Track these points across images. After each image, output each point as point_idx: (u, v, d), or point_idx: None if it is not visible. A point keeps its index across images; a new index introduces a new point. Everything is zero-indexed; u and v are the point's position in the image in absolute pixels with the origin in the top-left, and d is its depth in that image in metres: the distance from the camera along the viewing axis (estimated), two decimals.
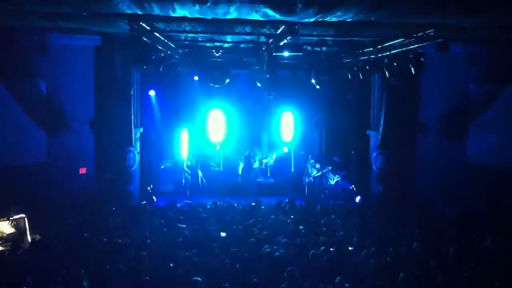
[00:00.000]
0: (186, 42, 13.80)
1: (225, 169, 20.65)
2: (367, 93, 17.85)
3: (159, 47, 13.32)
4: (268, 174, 20.72)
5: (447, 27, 10.83)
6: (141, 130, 16.98)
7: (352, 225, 12.60)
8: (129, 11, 9.55)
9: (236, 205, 14.93)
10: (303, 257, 9.67)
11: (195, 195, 18.04)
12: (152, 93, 18.17)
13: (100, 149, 15.88)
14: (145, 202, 16.29)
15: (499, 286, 8.64)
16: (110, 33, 13.43)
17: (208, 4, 8.78)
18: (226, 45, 14.37)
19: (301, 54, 15.06)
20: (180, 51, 14.87)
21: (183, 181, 18.89)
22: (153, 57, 14.37)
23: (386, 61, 14.46)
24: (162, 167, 19.48)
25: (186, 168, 18.88)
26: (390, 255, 10.00)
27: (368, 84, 17.60)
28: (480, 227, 12.25)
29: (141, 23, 10.61)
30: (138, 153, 16.60)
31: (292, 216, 13.40)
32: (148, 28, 11.02)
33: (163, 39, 12.68)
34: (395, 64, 13.98)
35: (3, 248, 11.28)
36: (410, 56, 13.18)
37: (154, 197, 17.12)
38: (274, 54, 13.73)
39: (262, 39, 13.05)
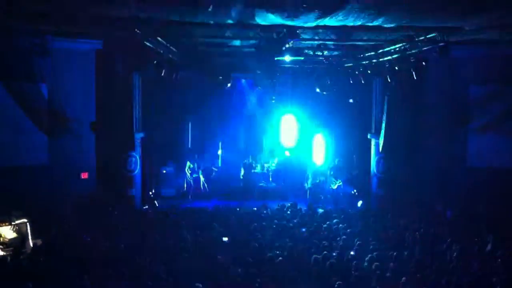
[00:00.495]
0: (188, 46, 13.82)
1: (227, 173, 20.63)
2: (369, 97, 17.85)
3: (161, 51, 13.35)
4: (270, 179, 20.69)
5: (448, 30, 10.86)
6: (143, 134, 16.97)
7: (354, 229, 12.57)
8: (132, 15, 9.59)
9: (238, 209, 14.90)
10: (305, 262, 9.65)
11: (197, 199, 18.01)
12: (153, 96, 18.17)
13: (101, 153, 15.87)
14: (146, 206, 16.26)
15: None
16: (111, 36, 13.45)
17: (210, 9, 8.81)
18: (227, 49, 14.41)
19: (302, 58, 15.09)
20: (182, 54, 14.88)
21: (185, 185, 18.88)
22: (155, 60, 14.41)
23: (387, 65, 14.48)
24: (164, 171, 19.46)
25: (188, 172, 18.88)
26: (392, 259, 9.97)
27: (370, 88, 17.60)
28: (480, 229, 12.22)
29: (143, 27, 10.62)
30: (139, 157, 16.59)
31: (294, 221, 13.37)
32: (150, 32, 11.04)
33: (164, 43, 12.70)
34: (396, 68, 14.01)
35: (5, 253, 11.25)
36: (411, 60, 13.20)
37: (155, 202, 17.10)
38: (275, 58, 13.78)
39: (264, 43, 13.06)
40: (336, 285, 8.32)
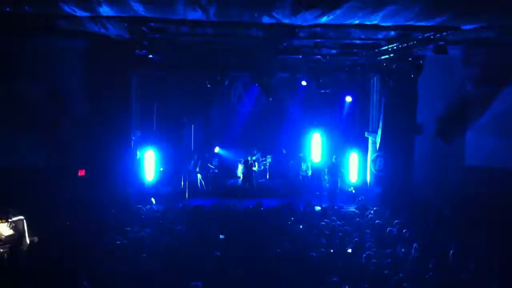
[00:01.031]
0: (184, 44, 13.82)
1: (224, 171, 20.65)
2: (366, 95, 17.88)
3: (158, 49, 13.35)
4: (267, 176, 20.72)
5: (446, 30, 10.89)
6: (140, 132, 16.97)
7: (351, 227, 12.61)
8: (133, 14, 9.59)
9: (235, 207, 14.91)
10: (303, 259, 9.68)
11: (194, 197, 18.02)
12: (151, 94, 18.17)
13: (98, 152, 15.85)
14: (143, 204, 16.25)
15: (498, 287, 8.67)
16: (108, 35, 13.43)
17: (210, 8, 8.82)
18: (225, 47, 14.41)
19: (300, 56, 15.09)
20: (179, 53, 14.88)
21: (182, 183, 18.90)
22: (152, 59, 14.40)
23: (384, 63, 14.53)
24: (161, 169, 19.47)
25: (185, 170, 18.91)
26: (389, 256, 10.01)
27: (367, 87, 17.63)
28: (477, 229, 12.26)
29: (139, 25, 10.62)
30: (136, 155, 16.58)
31: (292, 218, 13.40)
32: (146, 30, 11.03)
33: (161, 41, 12.69)
34: (393, 66, 14.05)
35: (1, 250, 11.25)
36: (409, 58, 13.24)
37: (152, 199, 17.11)
38: (273, 56, 13.80)
39: (262, 41, 13.08)
40: (332, 282, 8.36)
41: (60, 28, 12.22)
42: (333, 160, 18.93)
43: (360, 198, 17.29)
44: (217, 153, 20.97)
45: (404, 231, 11.89)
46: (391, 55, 13.66)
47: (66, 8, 9.47)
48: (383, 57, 14.20)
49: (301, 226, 12.22)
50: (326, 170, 19.31)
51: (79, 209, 13.61)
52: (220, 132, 21.40)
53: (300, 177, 19.82)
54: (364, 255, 9.92)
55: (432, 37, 11.35)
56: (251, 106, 20.65)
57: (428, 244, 10.96)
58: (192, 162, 19.34)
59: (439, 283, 8.76)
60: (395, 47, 13.03)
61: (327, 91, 17.01)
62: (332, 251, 10.23)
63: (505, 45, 13.45)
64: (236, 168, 20.40)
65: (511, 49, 13.75)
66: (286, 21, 10.04)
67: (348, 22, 10.21)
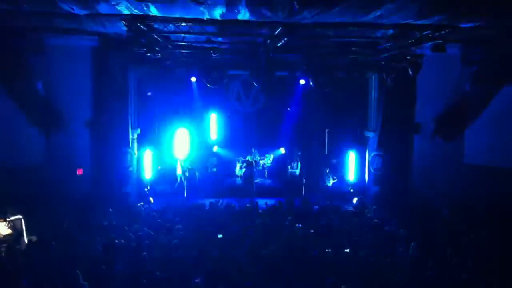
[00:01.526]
0: (183, 43, 13.81)
1: (222, 170, 20.62)
2: (365, 94, 17.87)
3: (157, 48, 13.33)
4: (266, 175, 20.71)
5: (444, 28, 10.88)
6: (139, 131, 16.95)
7: (349, 226, 12.61)
8: (127, 12, 9.57)
9: (233, 206, 14.90)
10: (300, 259, 9.67)
11: (192, 196, 18.01)
12: (149, 93, 18.14)
13: (97, 150, 15.84)
14: (142, 203, 16.25)
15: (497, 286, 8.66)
16: (107, 33, 13.42)
17: (205, 5, 8.80)
18: (223, 46, 14.39)
19: (298, 55, 15.09)
20: (178, 52, 14.87)
21: (179, 182, 18.88)
22: (151, 58, 14.38)
23: (383, 62, 14.52)
24: (159, 167, 19.45)
25: (180, 169, 18.85)
26: (387, 255, 10.00)
27: (366, 85, 17.62)
28: (476, 228, 12.26)
29: (138, 24, 10.59)
30: (135, 154, 16.57)
31: (289, 218, 13.38)
32: (145, 29, 11.01)
33: (160, 40, 12.68)
34: (392, 65, 14.04)
35: None
36: (407, 57, 13.23)
37: (151, 198, 17.09)
38: (271, 55, 13.77)
39: (260, 40, 13.07)
40: (331, 282, 8.35)
41: (58, 27, 12.21)
42: (332, 160, 18.92)
43: (358, 198, 17.29)
44: (215, 152, 20.93)
45: (402, 230, 11.90)
46: (390, 53, 13.65)
47: (64, 6, 9.46)
48: (381, 56, 14.18)
49: (298, 225, 12.19)
50: (326, 169, 19.30)
51: (77, 208, 13.61)
52: (219, 131, 21.34)
53: (289, 175, 19.83)
54: (362, 254, 9.93)
55: (430, 35, 11.34)
56: (250, 105, 20.60)
57: (426, 244, 10.95)
58: (191, 160, 19.32)
59: (438, 283, 8.75)
60: (393, 46, 13.02)
61: (326, 90, 17.01)
62: (329, 250, 10.20)
63: (504, 43, 13.45)
64: (235, 167, 20.37)
65: (509, 48, 13.74)
66: (285, 19, 10.03)
67: (347, 20, 10.20)
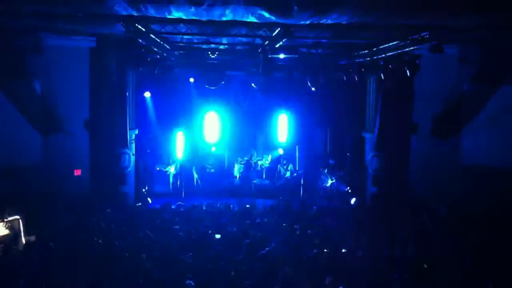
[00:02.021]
0: (182, 44, 13.82)
1: (220, 170, 20.62)
2: (363, 95, 17.88)
3: (155, 49, 13.33)
4: (264, 176, 20.72)
5: (441, 29, 10.89)
6: (136, 131, 16.96)
7: (347, 227, 12.62)
8: (125, 12, 9.55)
9: (231, 207, 14.91)
10: (298, 259, 9.68)
11: (190, 196, 18.01)
12: (147, 94, 18.16)
13: (95, 151, 15.84)
14: (140, 203, 16.26)
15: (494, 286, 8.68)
16: (105, 34, 13.42)
17: (204, 6, 8.79)
18: (221, 47, 14.39)
19: (296, 56, 15.09)
20: (176, 52, 14.87)
21: (178, 183, 18.90)
22: (149, 58, 14.39)
23: (381, 63, 14.52)
24: (157, 168, 19.45)
25: (173, 168, 18.89)
26: (384, 257, 10.01)
27: (364, 86, 17.63)
28: (474, 228, 12.27)
29: (136, 24, 10.58)
30: (133, 154, 16.57)
31: (287, 218, 13.40)
32: (143, 29, 11.00)
33: (158, 40, 12.68)
34: (390, 66, 14.05)
35: None
36: (405, 58, 13.24)
37: (149, 199, 17.10)
38: (269, 56, 13.78)
39: (258, 41, 13.07)
40: (327, 282, 8.36)
41: (56, 27, 12.20)
42: (329, 160, 18.94)
43: (356, 198, 17.32)
44: (213, 153, 20.94)
45: (400, 231, 11.91)
46: (388, 54, 13.67)
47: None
48: (379, 57, 14.20)
49: (296, 226, 12.19)
50: (322, 170, 19.32)
51: (75, 208, 13.60)
52: (216, 132, 21.33)
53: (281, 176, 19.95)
54: (359, 255, 9.94)
55: (428, 36, 11.35)
56: (248, 106, 20.60)
57: (424, 244, 10.98)
58: (189, 161, 19.33)
59: (435, 284, 8.77)
60: (391, 47, 13.04)
61: (324, 91, 17.03)
62: (327, 250, 10.21)
63: (501, 43, 13.47)
64: (233, 167, 20.38)
65: (506, 47, 13.76)
66: (283, 20, 10.03)
67: (345, 22, 10.20)
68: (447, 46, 12.56)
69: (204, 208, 14.77)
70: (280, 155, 21.11)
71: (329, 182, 18.97)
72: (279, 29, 10.78)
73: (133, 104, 16.67)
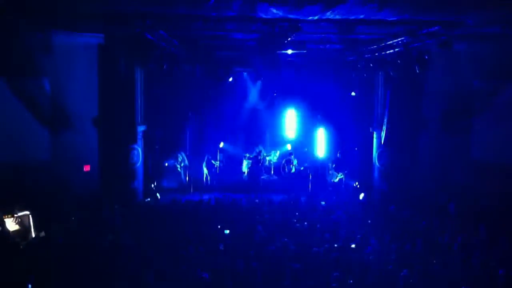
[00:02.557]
0: (190, 40, 13.82)
1: (229, 166, 20.66)
2: (371, 90, 17.83)
3: (163, 45, 13.35)
4: (272, 172, 20.73)
5: (451, 24, 10.84)
6: (145, 127, 16.99)
7: (356, 222, 12.61)
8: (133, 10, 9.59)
9: (240, 202, 14.93)
10: (307, 254, 9.69)
11: (199, 192, 18.05)
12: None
13: (103, 147, 15.88)
14: (149, 199, 16.32)
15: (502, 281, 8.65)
16: (114, 31, 13.44)
17: (212, 2, 8.81)
18: (229, 43, 14.40)
19: (305, 51, 15.06)
20: (184, 48, 14.88)
21: (187, 178, 18.96)
22: (157, 54, 14.39)
23: (389, 59, 14.47)
24: (166, 164, 19.50)
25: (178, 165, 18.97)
26: (394, 252, 10.01)
27: (372, 82, 17.58)
28: (483, 224, 12.22)
29: (145, 20, 10.62)
30: (141, 150, 16.61)
31: (296, 213, 13.41)
32: (151, 26, 11.03)
33: (167, 37, 12.70)
34: (398, 61, 14.00)
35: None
36: (414, 53, 13.19)
37: (158, 194, 17.15)
38: (278, 51, 13.76)
39: (267, 37, 13.04)
40: (335, 277, 8.37)
41: (64, 25, 12.25)
42: (338, 155, 18.91)
43: (365, 193, 17.28)
44: (222, 148, 20.98)
45: (409, 226, 11.90)
46: (396, 50, 13.61)
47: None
48: (388, 52, 14.14)
49: (305, 223, 12.21)
50: (330, 165, 19.31)
51: (84, 204, 13.68)
52: (225, 128, 21.38)
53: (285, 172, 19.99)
54: (368, 250, 9.94)
55: (437, 31, 11.30)
56: (256, 101, 20.62)
57: (432, 240, 10.96)
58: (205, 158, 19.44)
59: (443, 279, 8.75)
60: (400, 42, 12.98)
61: (332, 86, 17.00)
62: (336, 245, 10.22)
63: (510, 39, 13.38)
64: (241, 163, 20.41)
65: None
66: (291, 15, 10.02)
67: (353, 17, 10.18)
68: (457, 41, 12.49)
69: (212, 203, 14.79)
70: (288, 151, 21.13)
71: (337, 177, 18.95)
72: (287, 24, 10.77)
73: (141, 100, 16.69)
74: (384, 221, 12.80)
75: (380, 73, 16.97)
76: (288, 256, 9.58)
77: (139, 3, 9.23)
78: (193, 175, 18.93)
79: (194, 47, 14.87)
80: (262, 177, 19.95)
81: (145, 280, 8.48)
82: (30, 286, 8.29)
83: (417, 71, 13.32)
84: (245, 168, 20.16)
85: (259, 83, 18.57)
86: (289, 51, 14.84)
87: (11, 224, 11.96)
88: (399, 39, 12.79)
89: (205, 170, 19.40)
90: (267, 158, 20.75)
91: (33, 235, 12.06)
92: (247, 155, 20.26)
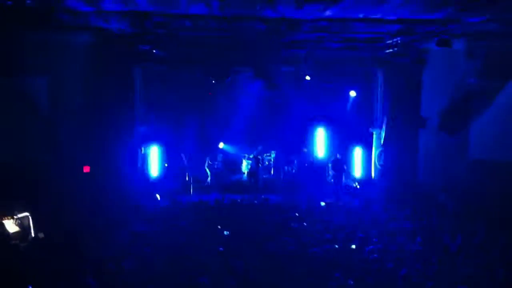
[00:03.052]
0: (188, 39, 13.80)
1: (228, 166, 20.64)
2: (370, 89, 17.83)
3: (161, 44, 13.34)
4: (272, 172, 20.72)
5: (449, 23, 10.84)
6: (145, 127, 16.99)
7: (355, 222, 12.60)
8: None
9: (240, 202, 14.92)
10: (307, 255, 9.68)
11: (198, 192, 18.03)
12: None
13: (104, 147, 15.85)
14: (148, 200, 16.30)
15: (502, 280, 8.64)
16: (112, 30, 13.42)
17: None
18: (228, 42, 14.37)
19: (304, 50, 15.07)
20: (182, 48, 14.86)
21: (187, 179, 18.95)
22: (155, 54, 14.39)
23: (388, 57, 14.49)
24: (166, 164, 19.49)
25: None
26: (393, 251, 10.00)
27: (371, 80, 17.58)
28: (482, 223, 12.22)
29: (143, 19, 10.61)
30: (141, 150, 16.60)
31: (296, 214, 13.40)
32: (150, 25, 11.02)
33: (165, 36, 12.68)
34: (397, 60, 14.01)
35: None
36: (412, 52, 13.20)
37: (157, 195, 17.13)
38: (276, 50, 13.76)
39: (265, 35, 13.05)
40: (336, 278, 8.35)
41: (62, 23, 12.21)
42: (337, 156, 18.89)
43: (364, 193, 17.28)
44: (221, 149, 20.95)
45: (408, 225, 11.89)
46: (395, 49, 13.61)
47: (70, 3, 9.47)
48: (387, 51, 14.15)
49: (305, 224, 12.20)
50: (330, 165, 19.29)
51: (84, 205, 13.66)
52: (224, 128, 21.36)
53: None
54: (368, 250, 9.92)
55: (435, 30, 11.30)
56: (255, 101, 20.58)
57: (432, 238, 10.95)
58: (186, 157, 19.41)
59: (443, 277, 8.74)
60: (399, 41, 12.98)
61: (331, 85, 16.98)
62: (336, 246, 10.21)
63: (509, 37, 13.37)
64: (241, 163, 20.39)
65: None
66: (290, 14, 10.02)
67: (352, 16, 10.18)
68: (455, 39, 12.49)
69: (212, 204, 14.78)
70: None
71: (337, 177, 18.91)
72: (286, 23, 10.76)
73: (140, 100, 16.68)
74: (384, 220, 12.79)
75: (379, 71, 16.98)
76: (287, 256, 9.57)
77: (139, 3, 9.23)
78: (193, 176, 18.90)
79: (193, 47, 14.84)
80: (262, 177, 19.93)
81: (145, 282, 8.46)
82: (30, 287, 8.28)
83: (416, 70, 13.33)
84: (245, 168, 20.13)
85: (258, 82, 18.51)
86: (288, 50, 14.82)
87: (11, 226, 11.93)
88: (398, 38, 12.80)
89: (208, 171, 19.40)
90: (267, 158, 20.74)
91: (33, 237, 12.04)
92: (246, 155, 20.23)
